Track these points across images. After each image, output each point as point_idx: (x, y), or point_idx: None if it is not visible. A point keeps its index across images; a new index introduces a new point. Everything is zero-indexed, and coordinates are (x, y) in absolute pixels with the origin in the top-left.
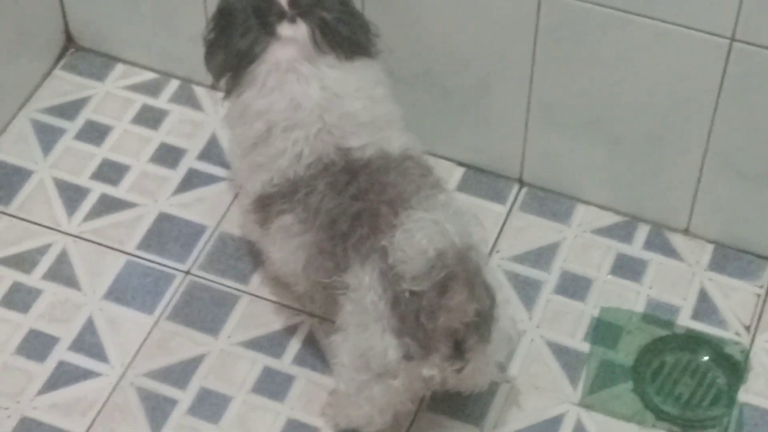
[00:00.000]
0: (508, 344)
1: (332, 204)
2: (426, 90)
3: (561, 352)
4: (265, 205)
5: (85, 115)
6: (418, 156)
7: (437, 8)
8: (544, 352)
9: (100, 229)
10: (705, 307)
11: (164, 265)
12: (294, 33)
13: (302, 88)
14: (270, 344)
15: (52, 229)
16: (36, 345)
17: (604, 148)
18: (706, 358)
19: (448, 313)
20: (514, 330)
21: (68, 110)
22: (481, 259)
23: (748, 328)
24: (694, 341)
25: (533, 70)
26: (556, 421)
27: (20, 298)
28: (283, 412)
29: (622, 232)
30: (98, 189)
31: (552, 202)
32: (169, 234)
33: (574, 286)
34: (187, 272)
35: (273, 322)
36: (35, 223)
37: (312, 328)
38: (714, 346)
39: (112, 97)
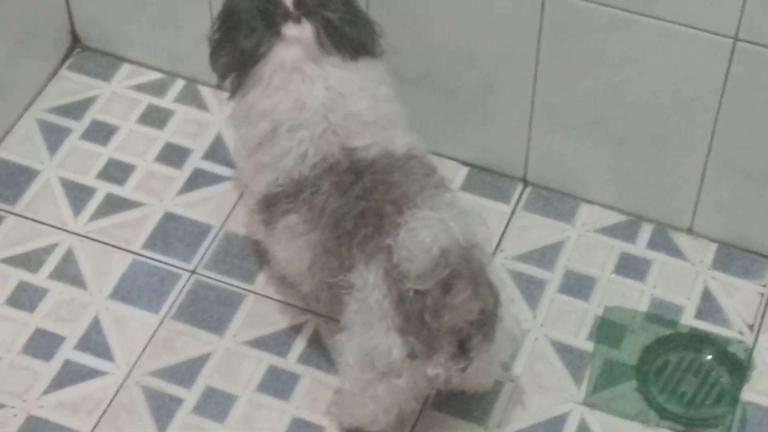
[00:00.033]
0: (512, 343)
1: (337, 204)
2: (430, 90)
3: (565, 351)
4: (270, 205)
5: (91, 114)
6: (422, 155)
7: (441, 8)
8: (548, 351)
9: (106, 229)
10: (708, 307)
11: (170, 265)
12: (299, 33)
13: (307, 88)
14: (275, 343)
15: (58, 228)
16: (42, 344)
17: (608, 147)
18: (709, 357)
19: (452, 312)
20: (518, 329)
21: (74, 110)
22: (485, 258)
23: (751, 327)
24: (697, 340)
25: (537, 70)
26: (560, 420)
27: (26, 298)
28: (289, 410)
29: (626, 231)
30: (104, 188)
31: (556, 201)
32: (174, 233)
33: (577, 286)
34: (193, 271)
35: (278, 321)
36: (41, 223)
37: (317, 327)
38: (717, 345)
39: (117, 97)
